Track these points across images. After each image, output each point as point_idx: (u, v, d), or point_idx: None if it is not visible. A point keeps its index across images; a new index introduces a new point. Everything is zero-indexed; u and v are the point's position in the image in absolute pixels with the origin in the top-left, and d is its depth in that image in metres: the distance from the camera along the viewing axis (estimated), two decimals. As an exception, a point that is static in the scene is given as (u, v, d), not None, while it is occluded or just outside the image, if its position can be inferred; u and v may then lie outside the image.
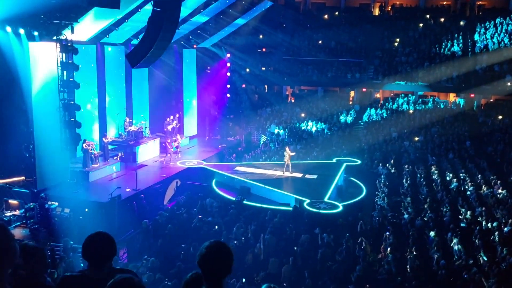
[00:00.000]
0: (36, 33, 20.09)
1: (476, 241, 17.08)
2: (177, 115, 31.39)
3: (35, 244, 4.25)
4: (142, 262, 15.10)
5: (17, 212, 19.42)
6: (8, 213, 19.28)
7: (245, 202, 21.72)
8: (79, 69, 21.44)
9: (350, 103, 43.24)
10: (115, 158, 26.08)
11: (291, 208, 20.76)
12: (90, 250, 3.76)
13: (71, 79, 21.13)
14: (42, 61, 20.39)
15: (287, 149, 26.03)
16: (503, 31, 41.81)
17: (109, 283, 2.88)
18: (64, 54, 20.82)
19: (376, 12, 52.18)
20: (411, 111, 38.03)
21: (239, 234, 17.53)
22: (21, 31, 19.43)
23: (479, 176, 25.02)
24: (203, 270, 3.34)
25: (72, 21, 20.49)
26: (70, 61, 21.03)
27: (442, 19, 47.18)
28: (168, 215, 19.98)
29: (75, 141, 21.76)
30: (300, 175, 25.88)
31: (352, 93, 44.68)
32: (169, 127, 29.94)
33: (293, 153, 26.32)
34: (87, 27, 22.65)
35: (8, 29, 19.02)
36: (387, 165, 27.53)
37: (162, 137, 29.21)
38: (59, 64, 20.79)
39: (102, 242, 3.78)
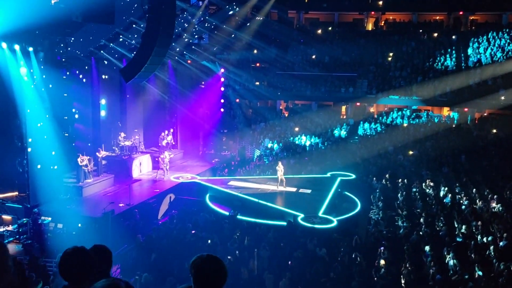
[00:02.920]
0: (31, 49, 20.13)
1: (472, 255, 17.03)
2: (171, 130, 31.37)
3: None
4: (135, 278, 14.99)
5: (10, 228, 19.27)
6: (1, 229, 19.14)
7: (238, 217, 21.63)
8: (73, 83, 21.44)
9: (342, 117, 43.28)
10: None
11: (285, 223, 20.69)
12: (65, 269, 3.48)
13: (65, 94, 21.11)
14: (36, 76, 20.38)
15: (279, 163, 26.03)
16: (496, 45, 42.12)
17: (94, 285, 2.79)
18: (58, 69, 20.82)
19: (370, 27, 52.51)
20: (405, 125, 38.12)
21: (233, 249, 17.44)
22: (16, 47, 19.44)
23: (474, 190, 24.99)
24: (198, 282, 3.31)
25: (67, 37, 20.52)
26: (64, 76, 21.03)
27: (435, 34, 47.56)
28: (162, 230, 19.88)
29: (69, 156, 21.68)
30: (294, 189, 25.84)
31: (343, 108, 44.76)
32: (164, 142, 29.94)
33: (282, 168, 26.17)
34: (82, 42, 22.69)
35: (4, 45, 19.01)
36: (382, 179, 27.50)
37: (155, 152, 29.19)
38: (53, 79, 20.77)
39: (77, 259, 3.48)
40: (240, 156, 35.22)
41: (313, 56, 46.47)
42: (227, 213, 22.19)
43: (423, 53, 44.94)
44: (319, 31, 51.21)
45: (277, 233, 19.06)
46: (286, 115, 44.41)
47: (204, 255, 3.41)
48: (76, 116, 23.82)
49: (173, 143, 31.91)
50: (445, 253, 17.23)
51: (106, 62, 27.09)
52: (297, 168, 30.86)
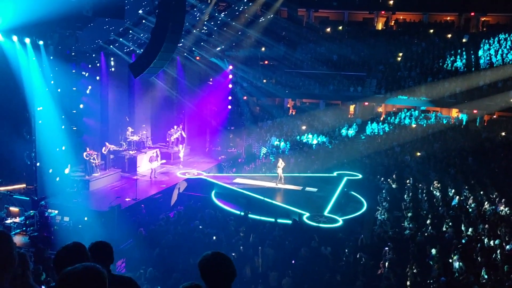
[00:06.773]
0: (41, 42, 20.18)
1: (478, 258, 16.96)
2: (180, 126, 31.41)
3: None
4: (139, 272, 15.02)
5: (17, 220, 19.34)
6: (9, 220, 19.20)
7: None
8: (82, 78, 21.48)
9: (350, 116, 43.20)
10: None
11: (290, 221, 20.66)
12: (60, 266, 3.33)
13: (74, 88, 21.15)
14: (45, 69, 20.44)
15: (280, 160, 26.00)
16: (507, 47, 41.88)
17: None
18: (68, 63, 20.86)
19: (380, 26, 52.38)
20: (413, 126, 37.97)
21: (238, 246, 17.45)
22: (27, 40, 19.50)
23: (481, 192, 24.86)
24: (209, 281, 3.36)
25: (77, 31, 20.55)
26: (74, 70, 21.08)
27: (446, 35, 47.33)
28: (166, 225, 19.90)
29: (77, 150, 21.73)
30: (300, 188, 25.80)
31: (352, 107, 44.65)
32: (172, 138, 29.98)
33: (283, 165, 26.12)
34: (91, 36, 22.73)
35: (14, 38, 19.06)
36: (389, 179, 27.42)
37: (163, 147, 29.25)
38: (62, 73, 20.81)
39: (71, 256, 3.33)
40: (247, 153, 35.22)
41: (322, 55, 46.29)
42: (237, 212, 22.13)
43: (433, 54, 44.76)
44: (329, 30, 51.23)
45: (282, 231, 19.04)
46: (294, 113, 44.35)
47: (209, 253, 3.44)
48: (85, 109, 23.88)
49: (184, 135, 31.79)
50: (451, 255, 17.19)
51: (115, 57, 27.12)
52: (304, 166, 30.83)
